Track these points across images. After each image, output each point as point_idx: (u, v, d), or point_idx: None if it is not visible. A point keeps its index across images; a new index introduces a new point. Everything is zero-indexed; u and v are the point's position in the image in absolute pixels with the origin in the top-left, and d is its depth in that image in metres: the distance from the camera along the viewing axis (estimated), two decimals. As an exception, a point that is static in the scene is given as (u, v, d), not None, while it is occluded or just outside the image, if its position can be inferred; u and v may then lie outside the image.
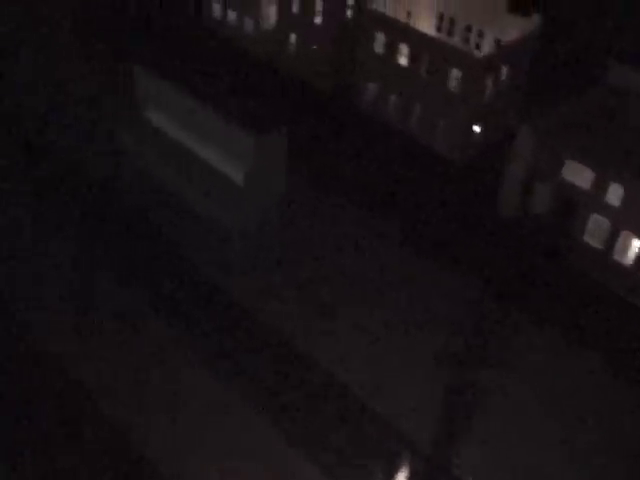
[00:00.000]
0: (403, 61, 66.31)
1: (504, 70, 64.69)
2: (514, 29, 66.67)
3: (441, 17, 70.77)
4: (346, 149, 65.93)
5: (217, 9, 79.15)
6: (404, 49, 65.88)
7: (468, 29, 69.28)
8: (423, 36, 64.20)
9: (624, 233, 52.98)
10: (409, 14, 70.14)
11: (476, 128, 64.57)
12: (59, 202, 57.55)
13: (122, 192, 58.15)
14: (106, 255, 53.49)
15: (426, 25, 71.15)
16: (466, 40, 69.69)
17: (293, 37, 73.82)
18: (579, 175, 54.44)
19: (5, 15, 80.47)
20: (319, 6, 70.82)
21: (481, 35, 68.60)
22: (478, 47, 68.85)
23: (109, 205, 57.18)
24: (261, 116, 50.73)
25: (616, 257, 53.83)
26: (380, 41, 66.96)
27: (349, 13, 71.07)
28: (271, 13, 75.83)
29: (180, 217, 55.89)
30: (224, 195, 51.94)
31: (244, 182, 50.56)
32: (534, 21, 65.94)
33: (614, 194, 52.67)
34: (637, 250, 52.66)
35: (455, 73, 62.96)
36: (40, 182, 59.38)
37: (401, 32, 65.12)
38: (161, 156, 56.30)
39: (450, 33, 70.56)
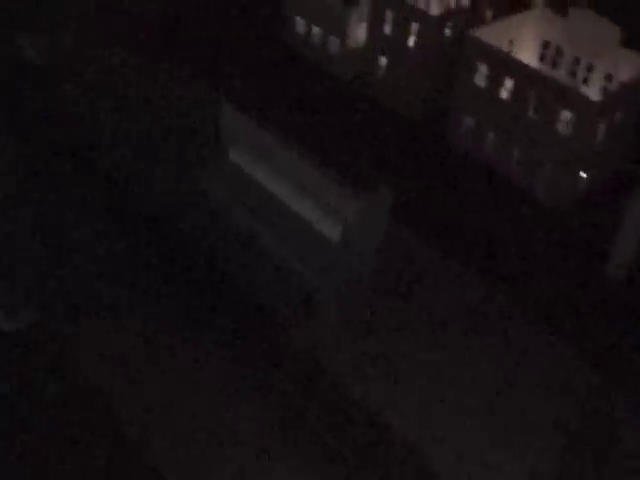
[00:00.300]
0: (505, 95, 61.15)
1: (618, 113, 59.22)
2: (628, 64, 61.00)
3: (546, 46, 65.30)
4: (434, 185, 61.15)
5: (301, 24, 74.59)
6: (507, 82, 60.70)
7: (576, 61, 63.70)
8: (531, 71, 59.11)
9: None
10: (511, 42, 64.78)
11: (583, 175, 59.24)
12: (130, 243, 54.05)
13: (198, 237, 54.21)
14: (174, 299, 49.81)
15: (528, 55, 65.72)
16: (572, 74, 64.10)
17: (383, 60, 69.01)
18: None
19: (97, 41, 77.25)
20: (414, 27, 65.94)
21: (590, 69, 62.95)
22: (586, 82, 63.24)
23: (183, 251, 53.23)
24: (362, 169, 45.59)
25: None
26: (481, 72, 61.84)
27: (447, 38, 66.06)
28: (360, 32, 71.05)
29: (261, 271, 51.58)
30: (315, 252, 47.08)
31: (340, 239, 45.91)
32: (652, 57, 60.32)
33: None
34: None
35: (564, 113, 57.74)
36: (110, 217, 55.97)
37: (506, 64, 60.01)
38: (244, 202, 51.39)
39: (555, 64, 65.04)
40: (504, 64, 60.35)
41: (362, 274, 48.29)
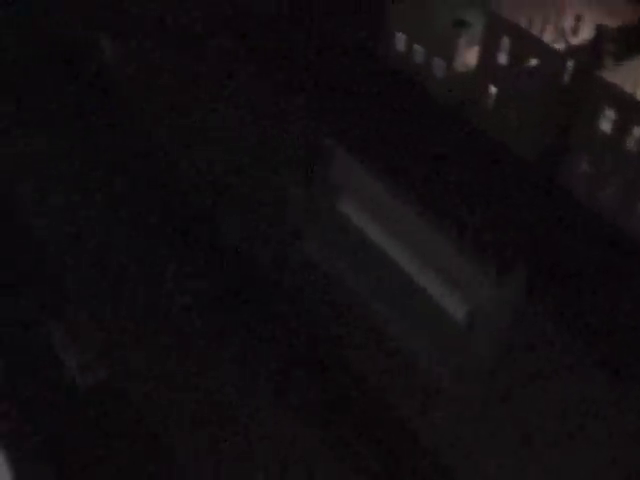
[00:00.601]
0: (632, 143, 56.83)
1: None
2: None
3: (671, 89, 60.75)
4: (548, 238, 57.12)
5: (401, 41, 70.11)
6: (635, 129, 56.38)
7: None
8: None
9: None
10: (637, 83, 60.21)
11: None
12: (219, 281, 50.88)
13: (295, 295, 50.16)
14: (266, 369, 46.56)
15: (653, 97, 61.16)
16: (700, 121, 59.53)
17: (492, 88, 64.66)
18: None
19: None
20: (531, 58, 61.40)
21: None
22: None
23: (275, 311, 49.55)
24: (498, 244, 41.12)
25: None
26: (607, 116, 57.46)
27: (568, 71, 61.52)
28: (469, 56, 66.58)
29: (368, 344, 47.08)
30: (435, 330, 42.53)
31: (466, 321, 41.53)
32: None
33: None
34: None
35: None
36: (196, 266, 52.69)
37: (635, 111, 55.62)
38: (353, 263, 46.27)
39: (682, 110, 60.45)
40: (633, 110, 55.98)
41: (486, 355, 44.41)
